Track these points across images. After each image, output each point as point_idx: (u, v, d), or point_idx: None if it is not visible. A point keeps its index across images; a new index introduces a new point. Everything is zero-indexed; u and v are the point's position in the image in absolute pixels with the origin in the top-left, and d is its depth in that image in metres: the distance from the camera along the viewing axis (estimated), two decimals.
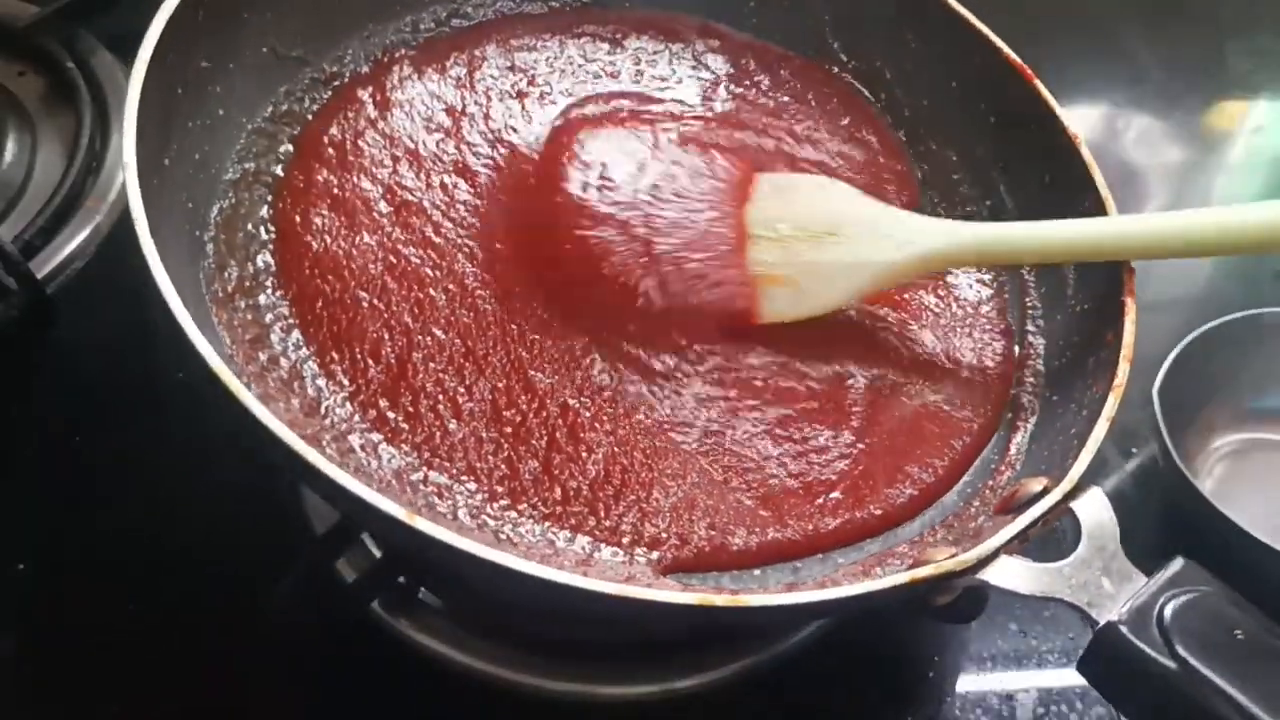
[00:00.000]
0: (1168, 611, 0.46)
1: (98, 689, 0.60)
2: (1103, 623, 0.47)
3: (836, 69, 0.79)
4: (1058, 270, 0.67)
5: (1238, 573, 0.62)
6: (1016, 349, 0.66)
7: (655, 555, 0.54)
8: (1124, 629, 0.46)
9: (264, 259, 0.61)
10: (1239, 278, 0.86)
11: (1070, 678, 0.64)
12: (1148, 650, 0.45)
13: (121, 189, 0.79)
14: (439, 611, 0.61)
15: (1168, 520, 0.70)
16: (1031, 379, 0.65)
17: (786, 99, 0.77)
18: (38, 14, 0.86)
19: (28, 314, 0.71)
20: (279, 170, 0.66)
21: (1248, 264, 0.87)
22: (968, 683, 0.63)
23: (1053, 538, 0.54)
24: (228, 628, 0.62)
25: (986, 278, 0.70)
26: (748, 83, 0.77)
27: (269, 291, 0.60)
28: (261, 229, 0.63)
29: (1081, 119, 0.96)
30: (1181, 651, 0.45)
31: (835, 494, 0.58)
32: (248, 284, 0.60)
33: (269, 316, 0.59)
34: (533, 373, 0.59)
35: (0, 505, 0.67)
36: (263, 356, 0.57)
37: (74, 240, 0.76)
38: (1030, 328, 0.67)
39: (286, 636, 0.62)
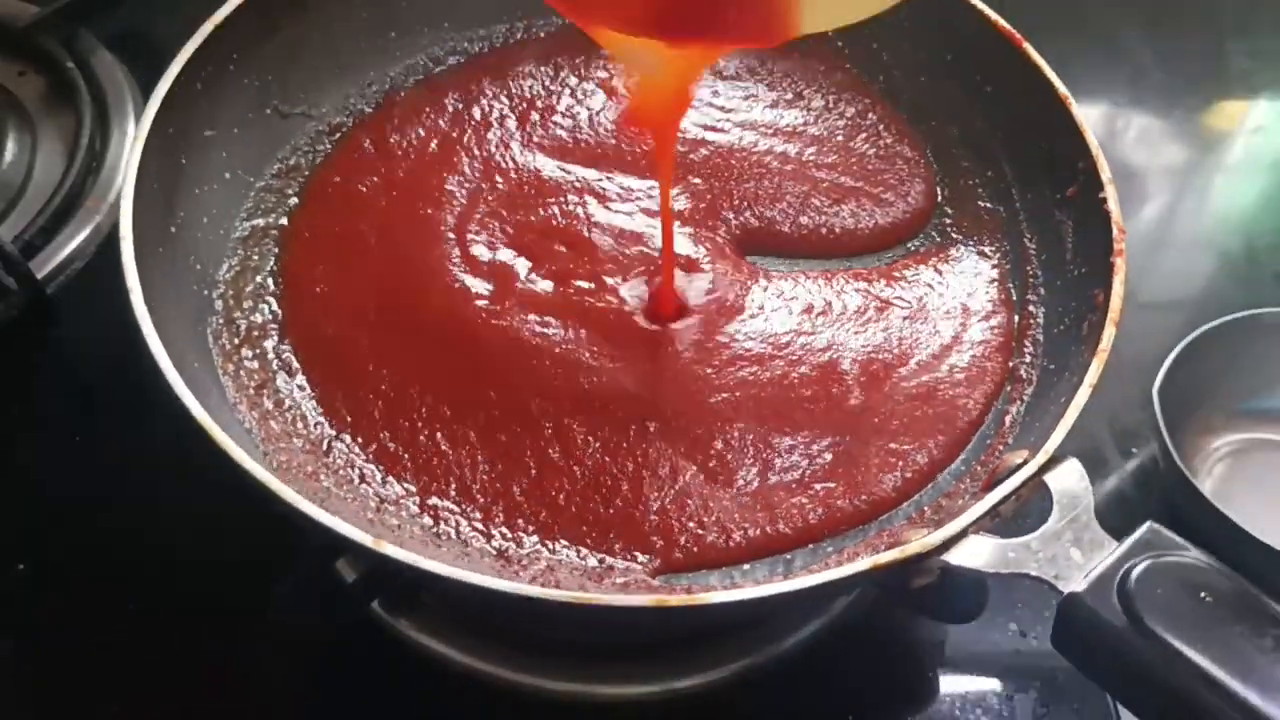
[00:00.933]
0: (1133, 577, 0.45)
1: (98, 689, 0.60)
2: (1066, 593, 0.46)
3: (834, 58, 0.79)
4: (1058, 234, 0.66)
5: (1237, 573, 0.62)
6: (1017, 320, 0.66)
7: (645, 559, 0.55)
8: (1086, 598, 0.46)
9: (271, 309, 0.63)
10: (1239, 278, 0.86)
11: (1070, 678, 0.64)
12: (1107, 618, 0.45)
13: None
14: (439, 611, 0.61)
15: (1168, 520, 0.70)
16: (1030, 349, 0.65)
17: (790, 95, 0.77)
18: (38, 14, 0.86)
19: (28, 314, 0.71)
20: (285, 222, 0.67)
21: (1248, 264, 0.87)
22: (968, 683, 0.63)
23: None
24: (228, 628, 0.62)
25: (988, 249, 0.70)
26: (750, 82, 0.77)
27: (274, 339, 0.62)
28: (269, 280, 0.64)
29: (1081, 119, 0.96)
30: (1143, 617, 0.44)
31: (828, 484, 0.58)
32: (255, 334, 0.62)
33: (275, 364, 0.61)
34: (526, 395, 0.60)
35: (0, 505, 0.67)
36: (268, 403, 0.59)
37: (74, 240, 0.76)
38: (1031, 297, 0.67)
39: (287, 636, 0.63)
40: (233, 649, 0.62)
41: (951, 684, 0.63)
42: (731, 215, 0.69)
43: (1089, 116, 0.97)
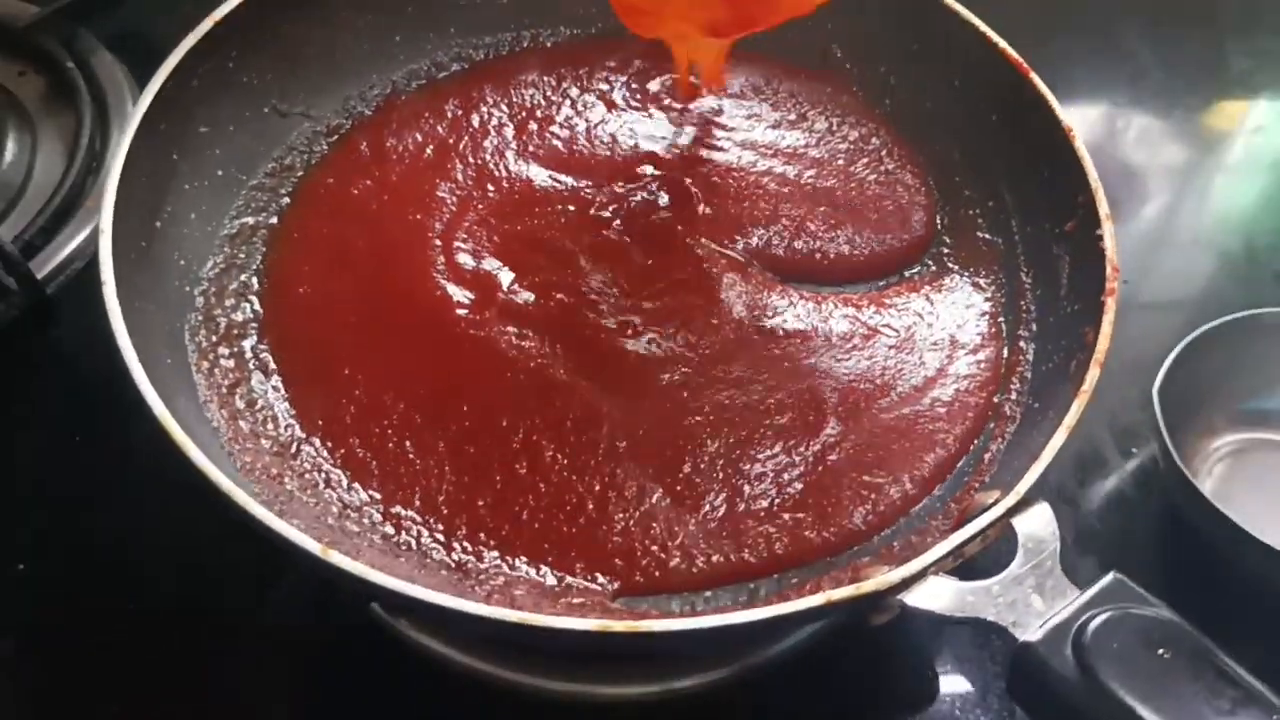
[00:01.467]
0: (1090, 629, 0.44)
1: (98, 689, 0.60)
2: (1020, 642, 0.45)
3: (841, 80, 0.79)
4: (1054, 269, 0.66)
5: (1237, 573, 0.62)
6: (1006, 355, 0.65)
7: (605, 580, 0.55)
8: (1040, 649, 0.45)
9: (253, 308, 0.63)
10: (1239, 278, 0.86)
11: None
12: (1059, 670, 0.44)
13: None
14: None
15: (1168, 521, 0.70)
16: (1017, 385, 0.64)
17: (793, 116, 0.77)
18: (38, 14, 0.86)
19: (28, 314, 0.71)
20: (275, 221, 0.67)
21: (1248, 264, 0.87)
22: (968, 683, 0.63)
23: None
24: (228, 628, 0.62)
25: (983, 281, 0.69)
26: (754, 101, 0.77)
27: (253, 339, 0.62)
28: (254, 279, 0.64)
29: (1081, 119, 0.96)
30: (1096, 671, 0.43)
31: (797, 514, 0.57)
32: (234, 332, 0.62)
33: (251, 363, 0.61)
34: (498, 408, 0.59)
35: (0, 505, 0.67)
36: (239, 402, 0.59)
37: (74, 240, 0.76)
38: (1023, 332, 0.66)
39: (286, 637, 0.63)
40: (233, 649, 0.62)
41: (951, 684, 0.63)
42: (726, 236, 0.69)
43: (1088, 116, 0.98)
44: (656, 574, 0.55)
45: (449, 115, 0.73)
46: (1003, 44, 0.69)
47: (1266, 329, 0.71)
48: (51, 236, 0.76)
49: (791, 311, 0.65)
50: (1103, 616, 0.45)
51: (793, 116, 0.77)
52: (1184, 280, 0.86)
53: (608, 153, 0.72)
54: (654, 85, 0.77)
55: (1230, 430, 0.73)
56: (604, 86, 0.77)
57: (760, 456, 0.59)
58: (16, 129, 0.82)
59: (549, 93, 0.75)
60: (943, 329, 0.66)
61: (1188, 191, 0.93)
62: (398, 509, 0.56)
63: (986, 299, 0.68)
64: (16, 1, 0.88)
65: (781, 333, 0.64)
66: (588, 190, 0.70)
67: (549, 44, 0.80)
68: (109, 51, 0.87)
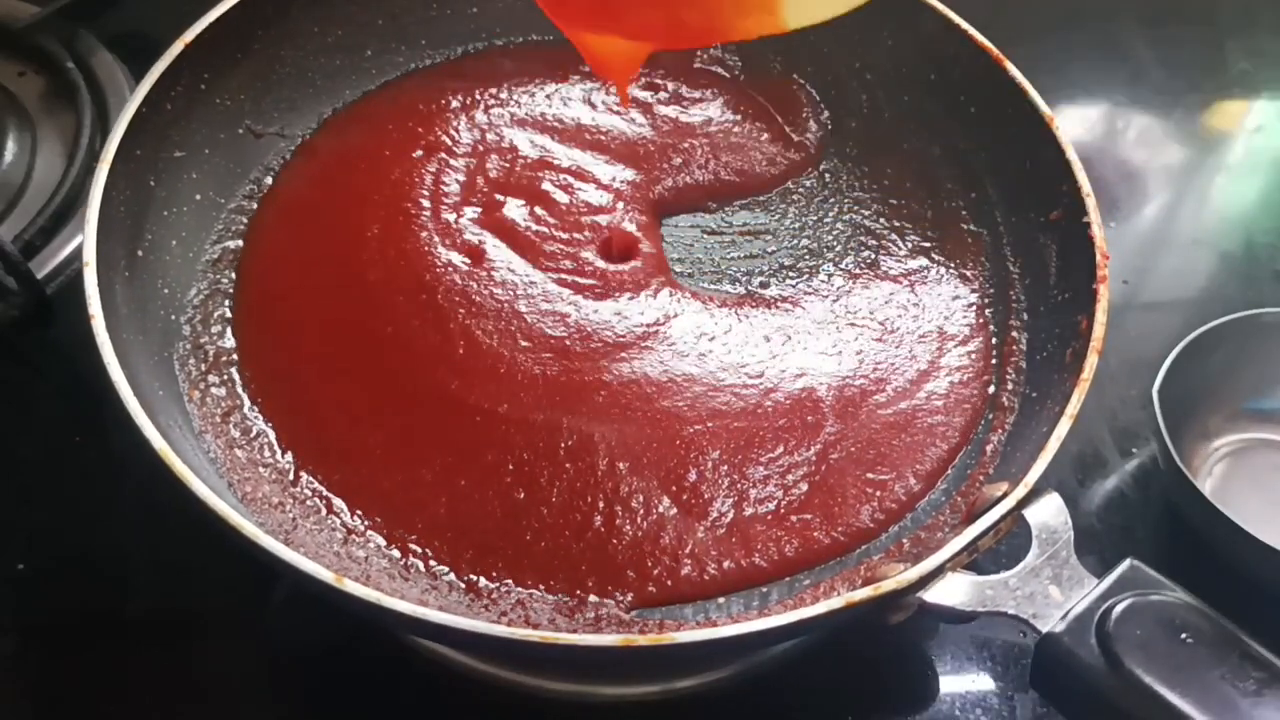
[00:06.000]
0: (1112, 617, 0.44)
1: (98, 689, 0.60)
2: (1043, 634, 0.45)
3: (802, 81, 0.79)
4: (1041, 258, 0.66)
5: (1237, 573, 0.62)
6: (999, 345, 0.65)
7: (619, 593, 0.54)
8: (1064, 639, 0.45)
9: (236, 333, 0.62)
10: (1239, 278, 0.86)
11: None
12: (1085, 659, 0.44)
13: None
14: None
15: (1168, 520, 0.70)
16: (1013, 376, 0.64)
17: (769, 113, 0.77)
18: (38, 14, 0.86)
19: (28, 314, 0.71)
20: (255, 244, 0.66)
21: (1248, 264, 0.87)
22: (968, 683, 0.63)
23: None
24: (229, 626, 0.62)
25: (970, 272, 0.69)
26: (729, 109, 0.77)
27: (240, 365, 0.61)
28: (235, 303, 0.63)
29: (1081, 119, 0.96)
30: (1122, 659, 0.43)
31: (805, 515, 0.57)
32: (222, 360, 0.61)
33: (242, 390, 0.60)
34: (482, 447, 0.58)
35: (0, 505, 0.67)
36: (234, 431, 0.59)
37: (74, 240, 0.76)
38: (1014, 322, 0.66)
39: (287, 636, 0.63)
40: (234, 649, 0.62)
41: (951, 684, 0.63)
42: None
43: (1088, 116, 0.98)
44: (669, 583, 0.55)
45: (422, 123, 0.72)
46: (975, 33, 0.69)
47: (1266, 329, 0.71)
48: (51, 236, 0.76)
49: (775, 310, 0.66)
50: (1124, 604, 0.45)
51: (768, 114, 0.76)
52: (1184, 280, 0.86)
53: (582, 148, 0.72)
54: (632, 89, 0.76)
55: (1230, 430, 0.73)
56: (580, 89, 0.76)
57: (763, 459, 0.59)
58: (16, 129, 0.82)
59: (526, 95, 0.75)
60: (930, 321, 0.66)
61: (1188, 191, 0.93)
62: (401, 533, 0.56)
63: (973, 290, 0.68)
64: (16, 1, 0.88)
65: (771, 331, 0.64)
66: (567, 203, 0.69)
67: (520, 50, 0.79)
68: (109, 51, 0.87)
